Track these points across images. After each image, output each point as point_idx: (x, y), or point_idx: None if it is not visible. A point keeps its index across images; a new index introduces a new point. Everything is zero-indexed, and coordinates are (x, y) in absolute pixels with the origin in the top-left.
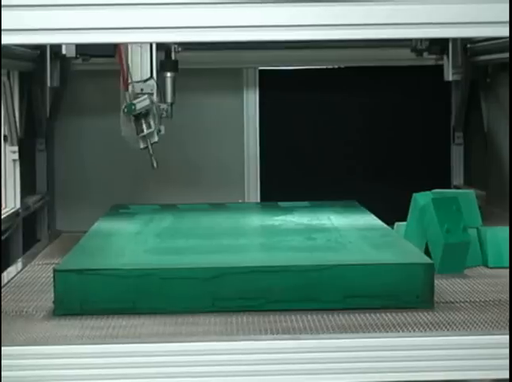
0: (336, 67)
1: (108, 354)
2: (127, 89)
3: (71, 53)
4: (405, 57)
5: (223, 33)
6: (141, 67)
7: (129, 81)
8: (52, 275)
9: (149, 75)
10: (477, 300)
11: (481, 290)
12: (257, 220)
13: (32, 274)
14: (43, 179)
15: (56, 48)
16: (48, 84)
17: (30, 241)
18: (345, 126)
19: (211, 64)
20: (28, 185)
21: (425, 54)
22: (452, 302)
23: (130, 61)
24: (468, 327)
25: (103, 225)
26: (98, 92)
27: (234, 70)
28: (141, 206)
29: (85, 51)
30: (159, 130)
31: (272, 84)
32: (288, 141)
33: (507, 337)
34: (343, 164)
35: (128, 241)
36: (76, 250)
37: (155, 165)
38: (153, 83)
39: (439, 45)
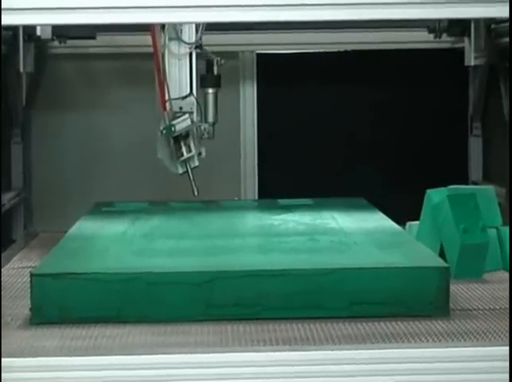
0: (342, 50)
1: (90, 367)
2: (165, 108)
3: (47, 35)
4: (418, 39)
5: (218, 13)
6: (179, 82)
7: (167, 99)
8: (28, 280)
9: (188, 91)
10: (497, 307)
11: (501, 296)
12: (255, 220)
13: (6, 279)
14: (19, 174)
15: (29, 30)
16: (21, 69)
17: (5, 242)
18: (351, 115)
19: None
20: (2, 181)
21: (444, 36)
22: (470, 310)
23: (168, 76)
24: (487, 337)
25: (85, 225)
26: (79, 78)
27: (229, 53)
28: (127, 203)
29: (62, 32)
30: (199, 153)
31: (271, 70)
32: (288, 132)
33: None
34: (349, 157)
35: (112, 242)
36: (55, 252)
37: (196, 192)
38: (192, 100)
39: (459, 26)
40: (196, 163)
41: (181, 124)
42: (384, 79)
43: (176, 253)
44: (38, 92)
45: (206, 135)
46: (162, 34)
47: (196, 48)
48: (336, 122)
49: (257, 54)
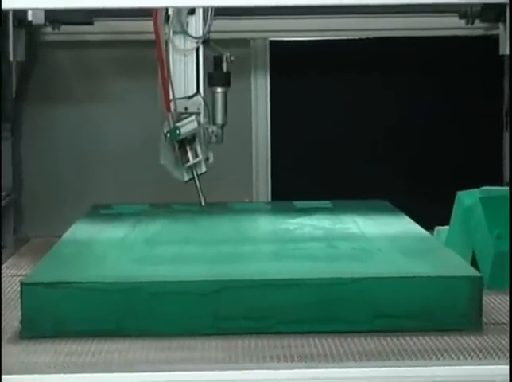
0: (364, 37)
1: None
2: (169, 109)
3: (39, 20)
4: (447, 26)
5: None
6: (185, 80)
7: (171, 98)
8: (18, 289)
9: (194, 90)
10: None
11: None
12: (268, 224)
13: None
14: (8, 173)
15: (20, 14)
16: (11, 58)
17: None
18: (373, 109)
19: (211, 35)
20: None
21: (477, 22)
22: (504, 324)
23: (172, 73)
24: None
25: (81, 229)
26: (74, 68)
27: (239, 41)
28: (127, 205)
29: (56, 17)
30: (207, 159)
31: (285, 60)
32: (304, 128)
33: None
34: (371, 156)
35: (111, 248)
36: (48, 259)
37: (203, 202)
38: (199, 100)
39: (493, 11)
40: (204, 169)
41: (187, 126)
42: (409, 70)
43: (180, 260)
44: (29, 83)
45: (214, 139)
46: (166, 27)
47: (204, 42)
48: (357, 117)
49: (271, 41)
